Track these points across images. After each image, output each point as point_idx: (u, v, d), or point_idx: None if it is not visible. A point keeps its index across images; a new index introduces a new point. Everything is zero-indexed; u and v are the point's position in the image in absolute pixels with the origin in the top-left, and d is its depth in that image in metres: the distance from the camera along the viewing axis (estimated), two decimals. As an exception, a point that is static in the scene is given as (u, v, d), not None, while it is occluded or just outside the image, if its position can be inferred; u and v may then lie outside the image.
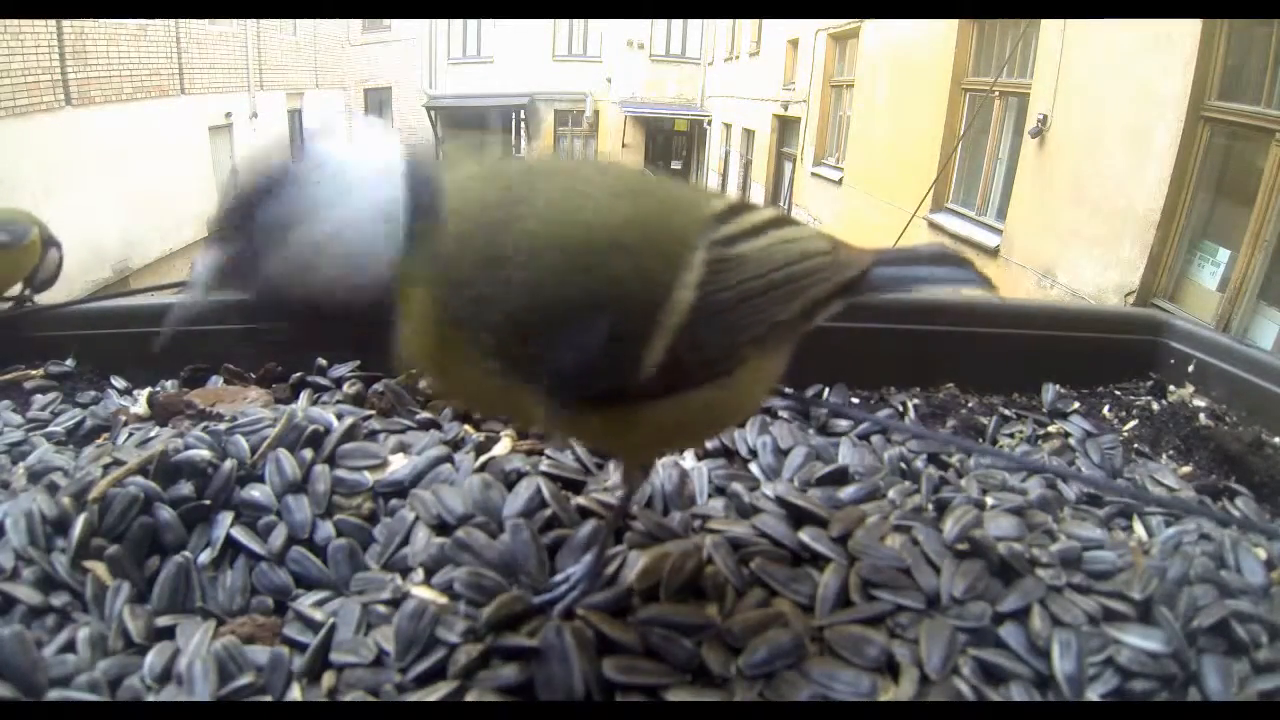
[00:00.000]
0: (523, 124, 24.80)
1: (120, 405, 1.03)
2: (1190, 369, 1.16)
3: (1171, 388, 1.16)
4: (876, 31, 9.69)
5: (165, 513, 0.75)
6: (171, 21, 14.90)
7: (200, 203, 16.22)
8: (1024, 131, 6.39)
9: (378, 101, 23.54)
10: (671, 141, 23.49)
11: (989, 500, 0.80)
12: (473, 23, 22.65)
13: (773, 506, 0.77)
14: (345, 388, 0.99)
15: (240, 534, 0.75)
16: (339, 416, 0.86)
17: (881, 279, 0.67)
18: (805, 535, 0.73)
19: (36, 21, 11.44)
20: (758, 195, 15.63)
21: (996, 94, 6.92)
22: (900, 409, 1.00)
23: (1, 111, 10.78)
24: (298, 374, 1.07)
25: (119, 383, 1.09)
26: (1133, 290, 5.08)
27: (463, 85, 22.71)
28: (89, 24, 12.63)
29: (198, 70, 16.02)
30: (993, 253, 6.63)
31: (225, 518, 0.76)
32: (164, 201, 14.52)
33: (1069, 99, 5.82)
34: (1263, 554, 0.75)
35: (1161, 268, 5.00)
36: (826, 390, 1.03)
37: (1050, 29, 5.89)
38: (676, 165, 23.79)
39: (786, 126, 14.06)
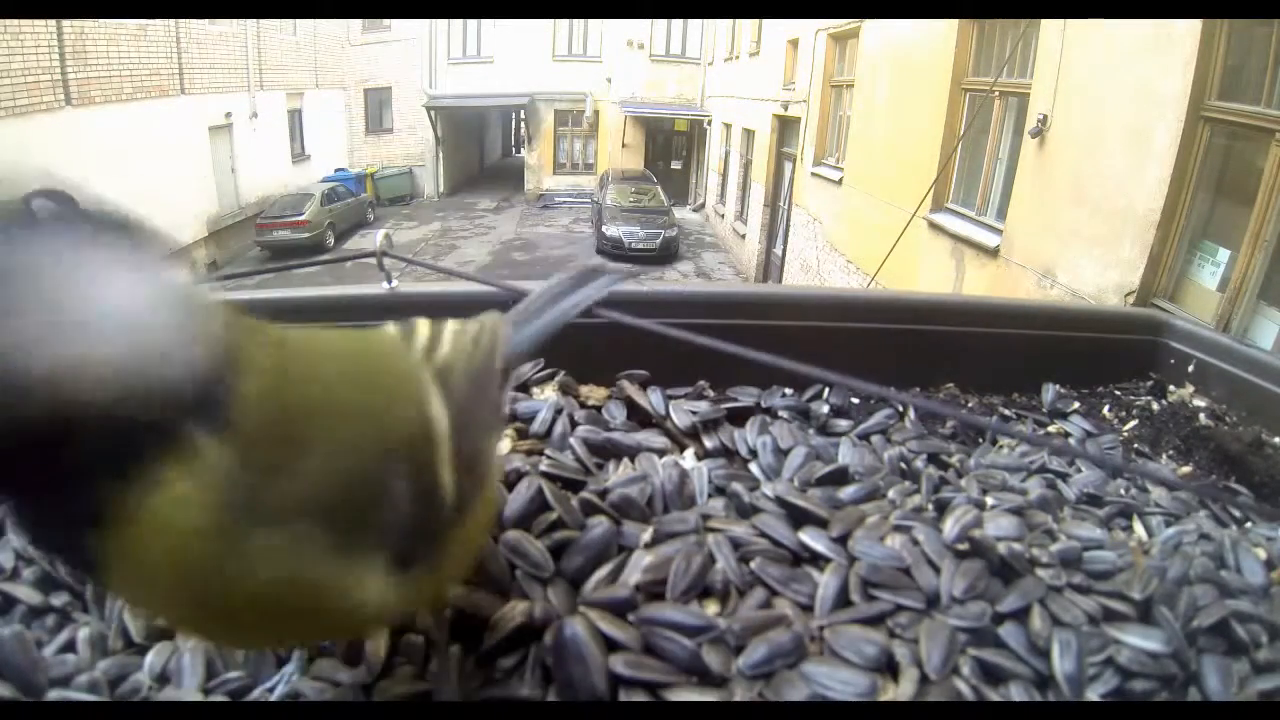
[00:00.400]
0: (523, 124, 24.80)
1: None
2: (1190, 369, 1.15)
3: (1171, 388, 1.15)
4: (876, 31, 9.68)
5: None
6: (171, 21, 14.93)
7: (200, 203, 16.30)
8: (1024, 131, 6.38)
9: (377, 101, 23.56)
10: (671, 141, 23.49)
11: (989, 500, 0.80)
12: (473, 23, 22.65)
13: (773, 506, 0.77)
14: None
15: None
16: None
17: (525, 344, 0.65)
18: (805, 535, 0.73)
19: (36, 21, 11.46)
20: (757, 195, 15.61)
21: (996, 94, 6.91)
22: (900, 409, 1.00)
23: (1, 111, 10.75)
24: None
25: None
26: (1133, 290, 5.08)
27: (463, 85, 22.71)
28: (89, 24, 12.66)
29: (198, 70, 16.05)
30: (993, 253, 6.61)
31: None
32: (164, 201, 14.54)
33: (1069, 99, 5.81)
34: (1263, 554, 0.75)
35: (1161, 268, 4.98)
36: (826, 391, 1.02)
37: (1050, 29, 5.88)
38: (676, 165, 23.81)
39: (786, 126, 14.03)
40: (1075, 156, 5.73)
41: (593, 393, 0.98)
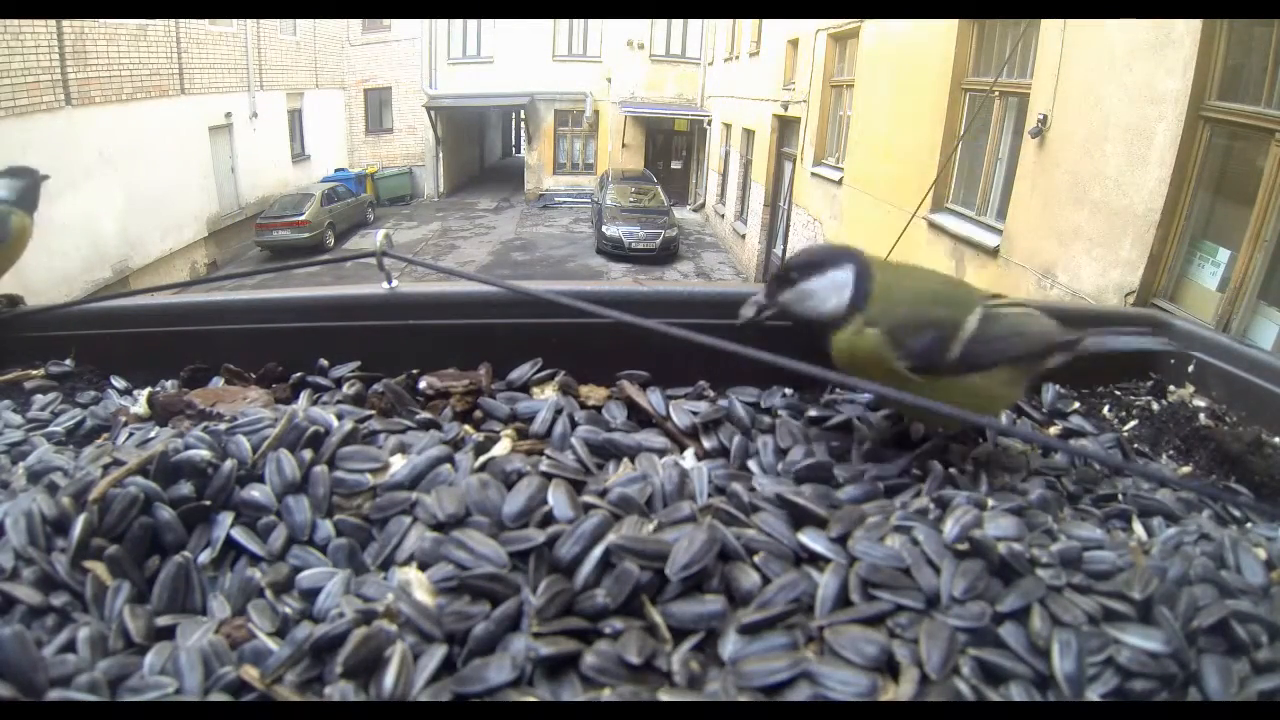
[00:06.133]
0: (523, 124, 24.77)
1: (120, 405, 1.03)
2: (1190, 369, 1.16)
3: (1171, 388, 1.16)
4: (876, 31, 9.69)
5: (165, 513, 0.75)
6: (171, 21, 14.96)
7: (200, 203, 16.31)
8: (1024, 131, 6.37)
9: (377, 101, 23.57)
10: (671, 141, 23.46)
11: (989, 500, 0.80)
12: (473, 23, 22.68)
13: (772, 506, 0.77)
14: (345, 388, 0.99)
15: (240, 534, 0.75)
16: (339, 417, 0.86)
17: (1092, 344, 0.95)
18: (804, 535, 0.73)
19: (36, 21, 11.47)
20: (757, 195, 15.60)
21: (996, 94, 6.89)
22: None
23: (1, 111, 10.73)
24: (298, 374, 1.07)
25: (119, 383, 1.09)
26: (1133, 290, 5.07)
27: (463, 85, 22.73)
28: (89, 24, 12.67)
29: (198, 70, 16.09)
30: (992, 253, 6.61)
31: (225, 518, 0.76)
32: (164, 201, 14.61)
33: (1069, 99, 5.80)
34: (1263, 554, 0.75)
35: (1161, 268, 4.97)
36: (826, 390, 1.02)
37: (1050, 29, 5.87)
38: (676, 165, 23.79)
39: (786, 126, 14.03)
40: (1075, 157, 5.73)
41: (593, 393, 0.98)
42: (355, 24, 22.55)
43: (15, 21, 10.94)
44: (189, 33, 15.56)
